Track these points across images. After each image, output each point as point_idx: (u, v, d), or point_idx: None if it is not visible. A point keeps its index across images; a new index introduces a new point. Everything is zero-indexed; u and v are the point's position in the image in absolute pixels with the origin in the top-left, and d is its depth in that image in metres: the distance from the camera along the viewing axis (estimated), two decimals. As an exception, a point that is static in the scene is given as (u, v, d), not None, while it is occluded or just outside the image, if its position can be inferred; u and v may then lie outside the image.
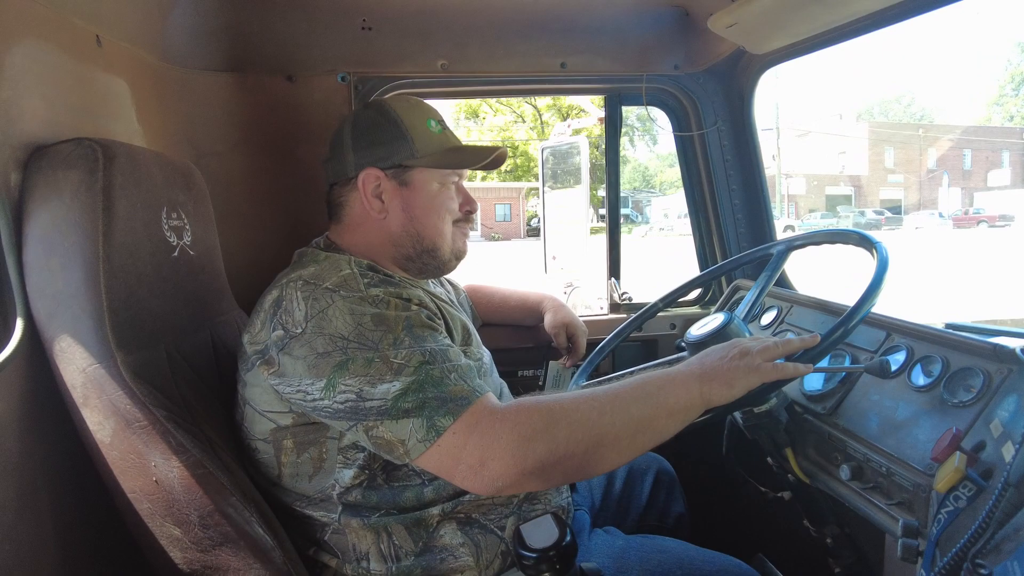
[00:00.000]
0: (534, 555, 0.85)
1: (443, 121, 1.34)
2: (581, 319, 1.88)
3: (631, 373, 1.36)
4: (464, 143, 1.35)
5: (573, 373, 1.76)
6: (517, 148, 28.40)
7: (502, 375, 1.95)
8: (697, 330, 1.39)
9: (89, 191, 1.01)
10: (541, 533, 0.88)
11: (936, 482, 0.85)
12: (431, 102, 1.39)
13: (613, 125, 1.98)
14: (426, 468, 1.03)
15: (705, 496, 1.85)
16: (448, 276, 1.73)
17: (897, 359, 1.25)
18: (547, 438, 0.97)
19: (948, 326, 1.36)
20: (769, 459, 1.44)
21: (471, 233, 1.40)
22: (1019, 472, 0.60)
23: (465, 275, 1.70)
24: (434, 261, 1.30)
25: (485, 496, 1.13)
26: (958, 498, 0.84)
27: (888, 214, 33.70)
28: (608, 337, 1.73)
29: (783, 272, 1.94)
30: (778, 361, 1.10)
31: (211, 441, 1.06)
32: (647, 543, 1.26)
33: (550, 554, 0.85)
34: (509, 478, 0.97)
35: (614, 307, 2.07)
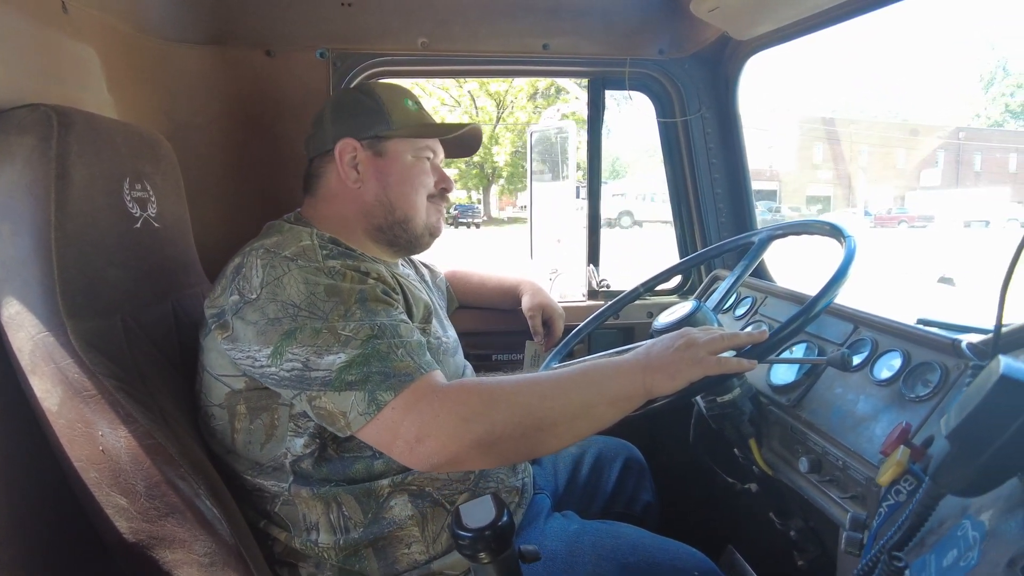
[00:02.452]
0: (469, 534, 0.85)
1: (420, 103, 1.37)
2: (559, 304, 1.88)
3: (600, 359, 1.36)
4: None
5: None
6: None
7: (478, 358, 1.96)
8: (664, 318, 1.39)
9: (42, 157, 1.00)
10: (479, 513, 0.87)
11: (879, 476, 0.84)
12: (410, 80, 1.39)
13: (596, 109, 1.96)
14: (366, 441, 1.04)
15: (676, 485, 1.85)
16: (425, 260, 1.73)
17: (862, 352, 1.25)
18: (485, 419, 0.98)
19: (919, 321, 1.35)
20: (736, 450, 1.43)
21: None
22: (937, 465, 0.59)
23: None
24: (406, 234, 1.31)
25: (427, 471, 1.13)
26: (899, 492, 0.83)
27: (804, 210, 33.24)
28: (584, 322, 1.73)
29: (762, 262, 1.93)
30: (725, 355, 1.09)
31: (164, 412, 1.05)
32: (603, 528, 1.26)
33: (485, 534, 0.85)
34: (445, 455, 0.98)
35: (592, 294, 2.07)
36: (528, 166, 2.45)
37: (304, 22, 1.72)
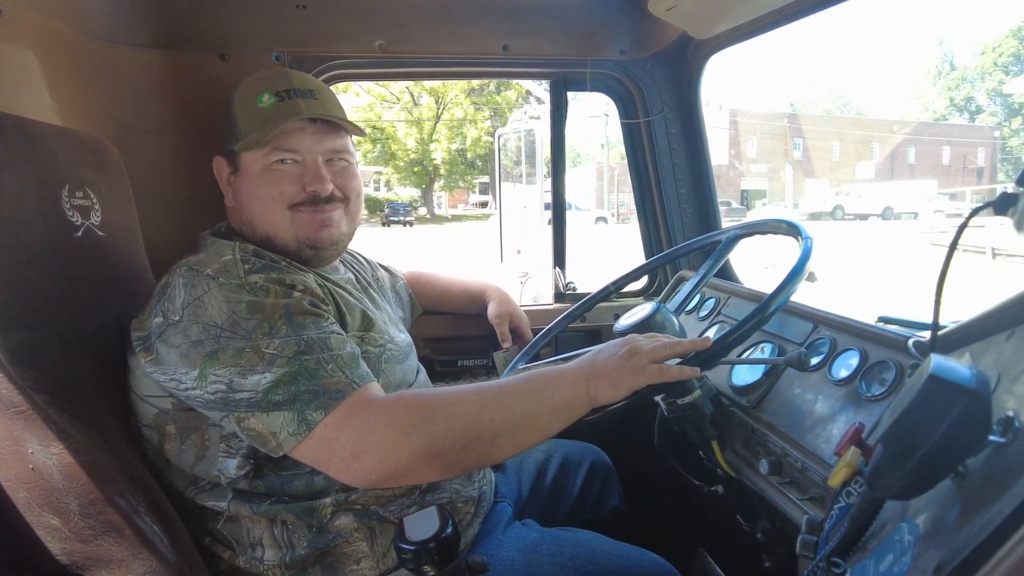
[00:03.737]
0: (412, 547, 0.83)
1: (290, 91, 1.20)
2: (524, 309, 1.86)
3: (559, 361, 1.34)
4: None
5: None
6: (383, 131, 26.82)
7: (443, 363, 1.93)
8: (625, 320, 1.38)
9: None
10: (423, 525, 0.85)
11: (831, 477, 0.83)
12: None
13: (559, 111, 1.95)
14: (300, 460, 1.00)
15: (644, 489, 1.84)
16: (384, 262, 1.70)
17: (822, 352, 1.24)
18: (423, 433, 0.95)
19: (880, 319, 1.35)
20: (701, 452, 1.42)
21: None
22: (872, 468, 0.57)
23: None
24: (280, 251, 1.19)
25: (368, 488, 1.10)
26: (850, 494, 0.82)
27: (734, 205, 33.18)
28: (550, 324, 1.71)
29: (728, 263, 1.92)
30: (671, 362, 1.08)
31: (103, 427, 1.02)
32: (563, 536, 1.24)
33: (429, 546, 0.82)
34: (383, 471, 0.96)
35: (559, 296, 2.05)
36: (497, 169, 2.43)
37: (258, 25, 1.68)
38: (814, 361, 1.21)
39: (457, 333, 1.91)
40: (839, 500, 0.85)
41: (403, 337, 1.39)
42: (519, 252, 2.42)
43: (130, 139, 1.58)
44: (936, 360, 0.53)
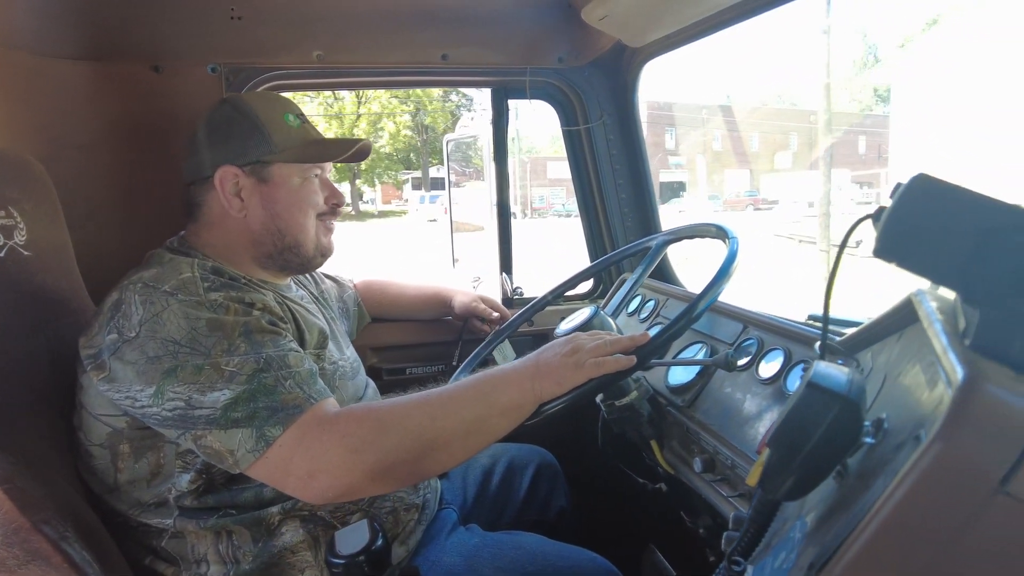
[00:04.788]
0: (342, 561, 0.83)
1: (303, 115, 1.31)
2: None
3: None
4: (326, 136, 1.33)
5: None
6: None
7: (391, 372, 1.93)
8: (565, 325, 1.40)
9: None
10: (353, 538, 0.86)
11: (748, 476, 0.86)
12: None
13: (501, 119, 1.97)
14: (257, 478, 1.01)
15: (592, 488, 1.86)
16: (334, 273, 1.70)
17: (750, 352, 1.28)
18: (376, 448, 0.97)
19: (810, 317, 1.40)
20: (643, 451, 1.45)
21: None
22: (763, 470, 0.60)
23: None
24: (297, 258, 1.27)
25: (324, 503, 1.11)
26: (764, 491, 0.85)
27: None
28: (495, 330, 1.73)
29: (668, 265, 1.97)
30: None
31: (28, 453, 1.00)
32: (504, 540, 1.26)
33: (359, 560, 0.83)
34: (339, 489, 0.97)
35: (507, 302, 2.07)
36: (446, 174, 2.43)
37: (192, 36, 1.66)
38: (742, 361, 1.25)
39: (406, 341, 1.91)
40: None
41: (351, 352, 1.40)
42: (479, 279, 2.44)
43: (60, 154, 1.55)
44: (816, 367, 0.56)
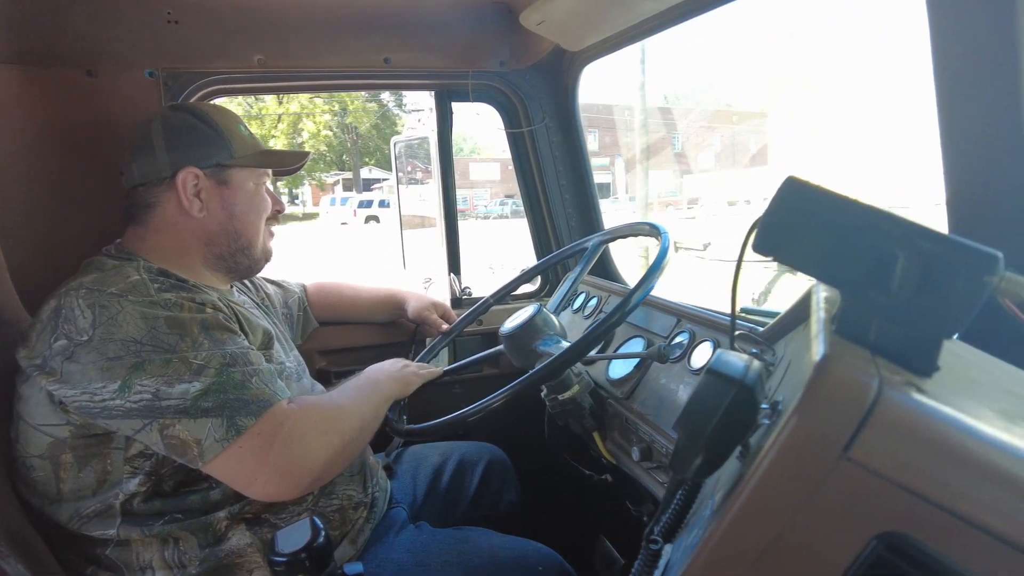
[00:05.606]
0: (283, 559, 0.85)
1: (248, 127, 1.39)
2: None
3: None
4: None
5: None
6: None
7: (340, 375, 1.93)
8: (509, 323, 1.44)
9: None
10: (294, 536, 0.87)
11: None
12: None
13: (444, 121, 1.99)
14: (220, 474, 1.03)
15: (542, 482, 1.91)
16: (279, 279, 1.70)
17: (682, 344, 1.33)
18: (338, 430, 1.14)
19: (742, 310, 1.46)
20: (588, 443, 1.50)
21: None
22: (672, 453, 0.65)
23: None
24: (246, 260, 1.33)
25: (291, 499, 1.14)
26: (689, 475, 0.90)
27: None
28: (441, 333, 1.76)
29: (610, 263, 2.02)
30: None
31: None
32: (453, 535, 1.29)
33: (300, 557, 0.85)
34: (313, 474, 1.07)
35: (455, 302, 2.09)
36: (394, 176, 2.45)
37: (128, 40, 1.64)
38: (675, 354, 1.31)
39: (355, 343, 1.92)
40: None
41: (295, 355, 1.42)
42: (430, 280, 2.45)
43: None
44: (718, 355, 0.61)
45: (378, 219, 24.63)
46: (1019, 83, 0.82)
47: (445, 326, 1.81)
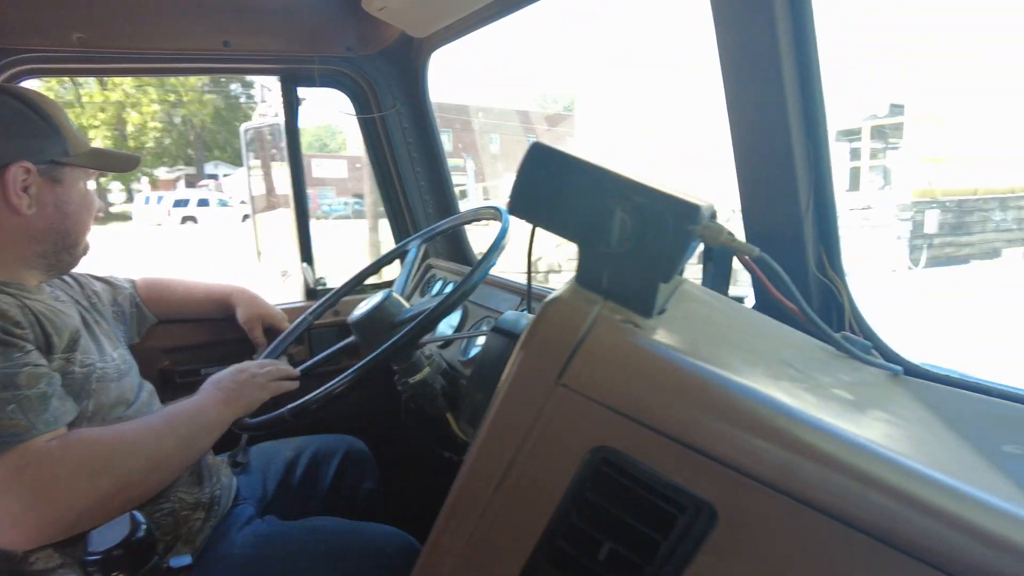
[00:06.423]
0: (96, 557, 0.80)
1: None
2: (279, 307, 1.83)
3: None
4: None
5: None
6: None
7: (184, 375, 1.84)
8: (358, 311, 1.42)
9: None
10: (110, 534, 0.82)
11: None
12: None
13: (291, 107, 1.93)
14: None
15: (403, 469, 1.91)
16: (107, 275, 1.59)
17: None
18: (110, 472, 0.98)
19: None
20: (443, 425, 1.51)
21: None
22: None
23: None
24: (69, 258, 1.25)
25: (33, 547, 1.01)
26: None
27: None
28: (294, 324, 1.70)
29: (469, 248, 2.05)
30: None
31: None
32: (299, 526, 1.27)
33: (115, 553, 0.80)
34: (65, 522, 0.94)
35: (310, 293, 2.04)
36: (244, 164, 2.34)
37: None
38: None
39: (200, 340, 1.83)
40: None
41: (120, 353, 1.32)
42: (286, 274, 2.37)
43: None
44: (503, 315, 0.65)
45: (196, 219, 23.24)
46: (783, 82, 0.91)
47: (260, 349, 1.72)
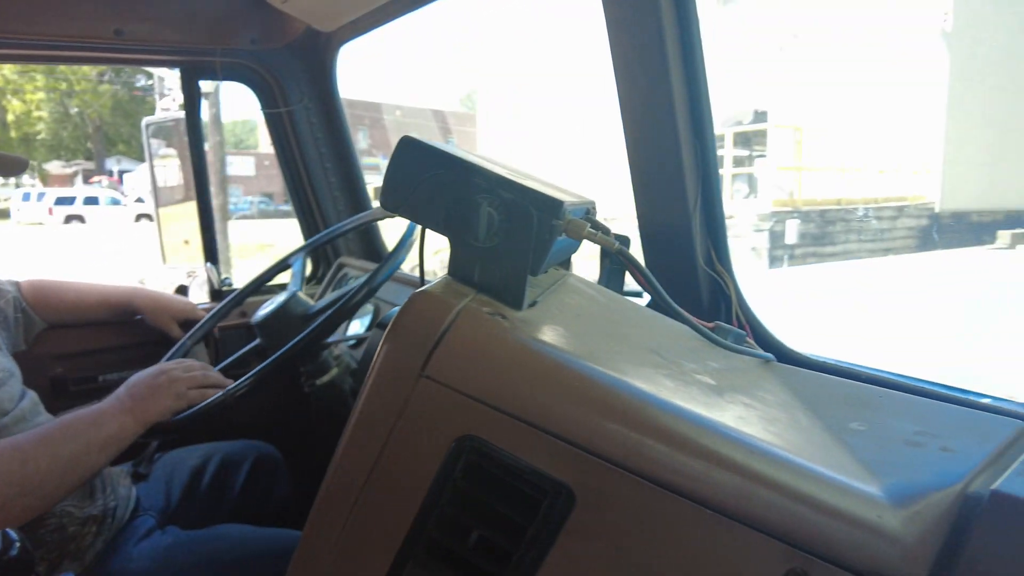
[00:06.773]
0: None
1: None
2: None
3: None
4: None
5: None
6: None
7: (79, 382, 1.75)
8: (262, 310, 1.39)
9: None
10: None
11: None
12: None
13: (192, 100, 1.85)
14: None
15: (316, 472, 1.86)
16: None
17: None
18: None
19: None
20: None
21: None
22: None
23: None
24: None
25: None
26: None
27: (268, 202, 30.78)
28: (196, 326, 1.64)
29: (383, 246, 2.03)
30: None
31: None
32: (202, 536, 1.23)
33: None
34: None
35: (215, 294, 1.97)
36: (148, 159, 2.23)
37: None
38: None
39: (97, 346, 1.73)
40: None
41: (2, 362, 1.23)
42: (192, 274, 2.28)
43: None
44: (390, 311, 0.66)
45: (83, 219, 21.95)
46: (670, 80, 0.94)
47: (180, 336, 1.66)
